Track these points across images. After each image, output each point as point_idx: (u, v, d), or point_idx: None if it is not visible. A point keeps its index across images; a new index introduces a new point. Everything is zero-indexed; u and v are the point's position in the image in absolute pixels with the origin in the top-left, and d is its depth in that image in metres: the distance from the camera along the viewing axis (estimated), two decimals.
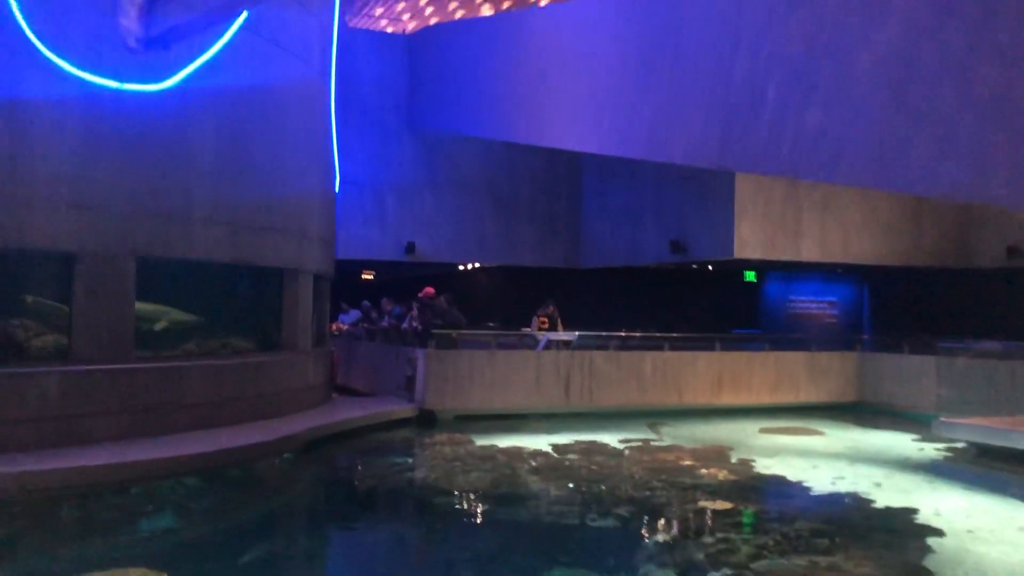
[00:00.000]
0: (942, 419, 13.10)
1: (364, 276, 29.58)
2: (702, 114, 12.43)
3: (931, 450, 12.85)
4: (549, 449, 12.07)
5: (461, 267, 27.00)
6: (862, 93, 9.44)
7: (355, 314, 20.86)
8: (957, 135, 8.20)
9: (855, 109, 9.54)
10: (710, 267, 24.01)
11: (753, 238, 18.37)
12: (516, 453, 11.71)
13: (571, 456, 11.60)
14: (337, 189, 16.26)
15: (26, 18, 9.59)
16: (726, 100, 11.89)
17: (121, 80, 10.35)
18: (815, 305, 25.55)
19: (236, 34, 11.65)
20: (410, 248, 21.80)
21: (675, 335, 17.10)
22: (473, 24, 22.20)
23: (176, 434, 10.44)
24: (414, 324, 16.80)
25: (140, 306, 10.90)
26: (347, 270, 21.80)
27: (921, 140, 8.65)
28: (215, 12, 10.67)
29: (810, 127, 10.20)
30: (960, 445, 12.77)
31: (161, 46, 10.28)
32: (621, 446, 12.44)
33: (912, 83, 8.77)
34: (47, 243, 9.95)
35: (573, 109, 16.47)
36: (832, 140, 9.92)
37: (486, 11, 24.25)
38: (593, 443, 12.56)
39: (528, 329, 17.01)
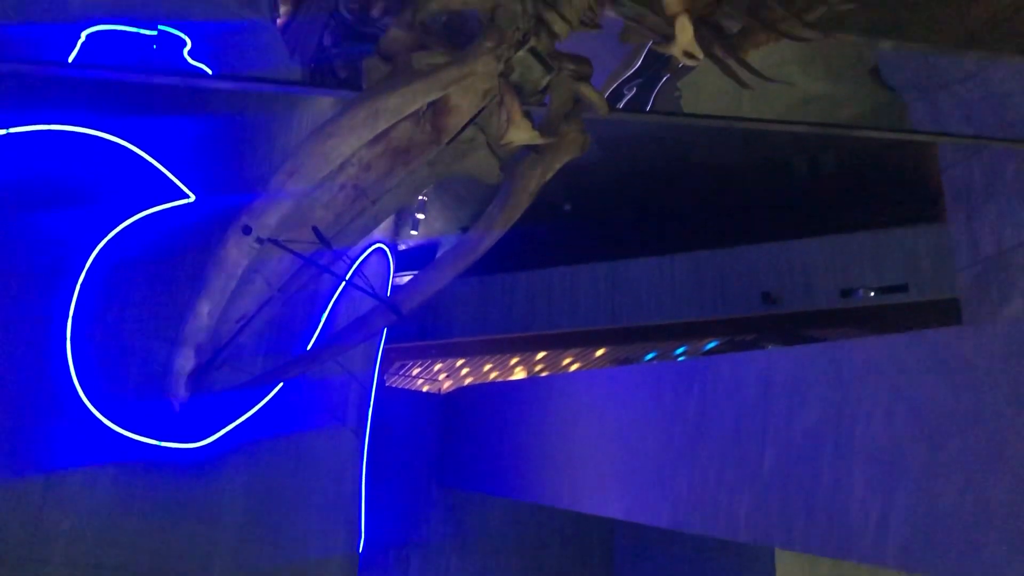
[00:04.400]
0: None
1: None
2: (732, 488, 12.25)
3: None
4: None
5: None
6: (897, 473, 9.32)
7: None
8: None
9: (889, 489, 9.37)
10: None
11: None
12: None
13: None
14: (360, 549, 15.78)
15: (81, 382, 10.08)
16: (758, 475, 11.77)
17: (160, 438, 10.57)
18: None
19: (277, 393, 12.06)
20: None
21: None
22: (505, 386, 22.93)
23: None
24: None
25: None
26: None
27: (956, 524, 8.37)
28: (260, 380, 11.12)
29: (850, 506, 9.96)
30: None
31: (204, 408, 10.61)
32: None
33: (949, 460, 8.67)
34: None
35: (602, 474, 16.34)
36: (875, 521, 9.63)
37: (519, 374, 25.22)
38: None
39: None
